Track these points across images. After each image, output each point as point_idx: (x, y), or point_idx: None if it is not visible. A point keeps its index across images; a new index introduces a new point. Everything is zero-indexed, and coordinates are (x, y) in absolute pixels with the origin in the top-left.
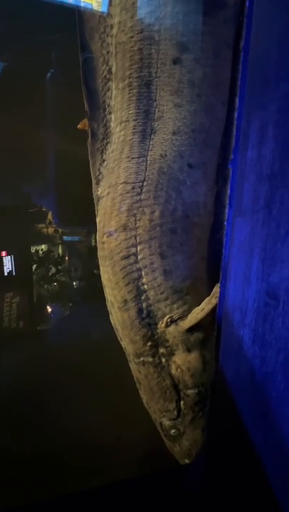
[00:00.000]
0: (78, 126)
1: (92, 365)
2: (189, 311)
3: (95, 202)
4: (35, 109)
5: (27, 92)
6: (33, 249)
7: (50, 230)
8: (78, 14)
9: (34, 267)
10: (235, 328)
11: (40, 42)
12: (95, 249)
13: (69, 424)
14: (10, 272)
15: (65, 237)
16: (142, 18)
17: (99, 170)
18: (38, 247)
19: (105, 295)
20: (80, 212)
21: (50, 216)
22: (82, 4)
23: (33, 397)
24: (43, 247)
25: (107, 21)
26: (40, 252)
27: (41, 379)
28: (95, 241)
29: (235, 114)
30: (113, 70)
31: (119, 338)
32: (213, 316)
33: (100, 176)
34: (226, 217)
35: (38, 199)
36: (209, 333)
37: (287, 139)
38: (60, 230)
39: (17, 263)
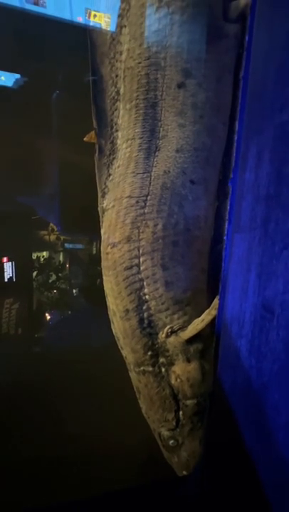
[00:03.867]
0: (84, 139)
1: (92, 374)
2: (189, 321)
3: (100, 214)
4: (42, 125)
5: (36, 108)
6: (34, 256)
7: (52, 237)
8: (90, 40)
9: (34, 273)
10: (233, 339)
11: (49, 63)
12: (96, 258)
13: (68, 431)
14: (10, 278)
15: (66, 245)
16: (150, 46)
17: (105, 184)
18: (39, 254)
19: (107, 304)
20: (85, 219)
21: (52, 223)
22: (91, 24)
23: (32, 404)
24: (44, 253)
25: (116, 48)
26: (42, 259)
27: (39, 386)
28: (97, 249)
29: (235, 136)
30: (121, 91)
31: (120, 347)
32: (213, 328)
33: (106, 189)
34: (226, 232)
35: (43, 211)
36: (208, 344)
37: (281, 164)
38: (61, 237)
39: (18, 269)
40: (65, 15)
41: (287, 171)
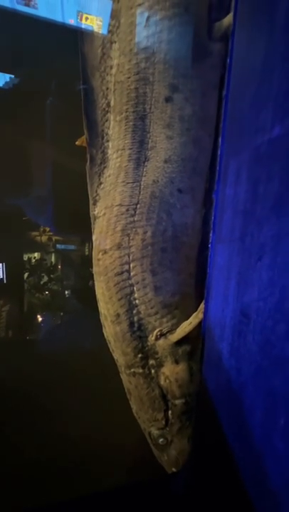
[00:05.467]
0: (76, 143)
1: (83, 376)
2: (178, 324)
3: (92, 221)
4: (35, 129)
5: (30, 111)
6: (25, 257)
7: (44, 238)
8: (81, 53)
9: (26, 275)
10: (216, 342)
11: (41, 64)
12: (88, 259)
13: (60, 431)
14: (0, 280)
15: (58, 246)
16: (138, 62)
17: (96, 191)
18: (30, 255)
19: (99, 309)
20: (78, 219)
21: (44, 224)
22: (83, 26)
23: (23, 407)
24: (36, 255)
25: (107, 62)
26: (33, 260)
27: (31, 389)
28: (89, 250)
29: (219, 150)
30: (112, 104)
31: (111, 350)
32: (200, 330)
33: (97, 197)
34: (210, 240)
35: (35, 212)
36: (196, 346)
37: (256, 184)
38: (53, 238)
39: (8, 271)
40: (57, 17)
41: (261, 190)
